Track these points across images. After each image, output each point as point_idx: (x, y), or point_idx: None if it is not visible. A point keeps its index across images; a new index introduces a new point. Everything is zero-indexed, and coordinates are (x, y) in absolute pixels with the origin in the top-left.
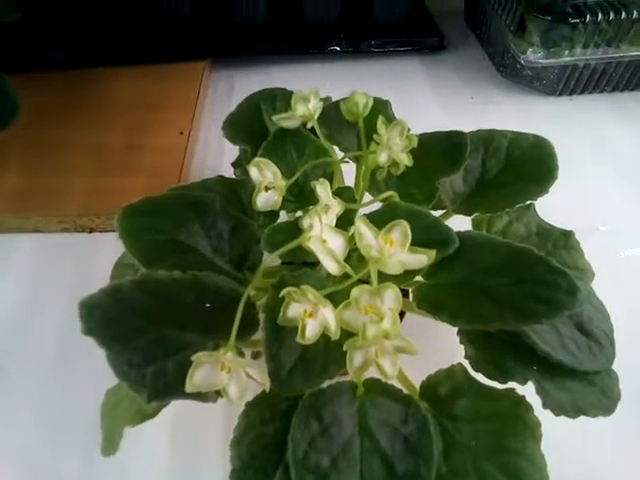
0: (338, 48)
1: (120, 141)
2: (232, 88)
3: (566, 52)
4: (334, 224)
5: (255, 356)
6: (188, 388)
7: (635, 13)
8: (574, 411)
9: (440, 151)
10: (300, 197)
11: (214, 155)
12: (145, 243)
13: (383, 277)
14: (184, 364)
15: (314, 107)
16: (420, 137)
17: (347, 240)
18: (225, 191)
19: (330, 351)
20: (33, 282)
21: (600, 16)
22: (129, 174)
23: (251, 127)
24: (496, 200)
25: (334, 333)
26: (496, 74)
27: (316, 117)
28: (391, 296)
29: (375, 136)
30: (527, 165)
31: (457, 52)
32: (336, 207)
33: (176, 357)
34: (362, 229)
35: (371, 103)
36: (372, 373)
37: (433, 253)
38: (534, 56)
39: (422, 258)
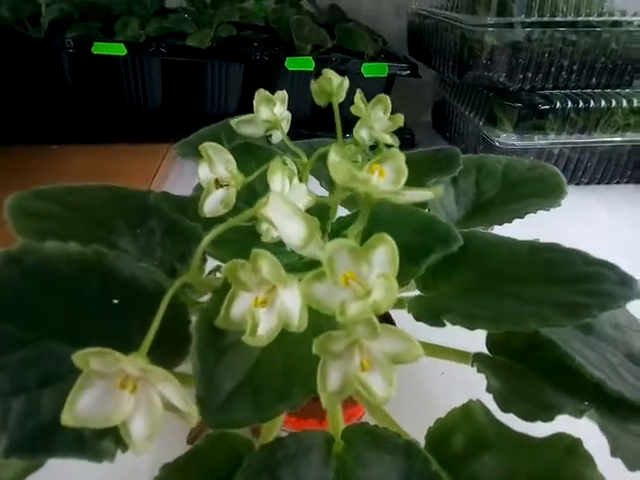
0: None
1: None
2: None
3: (538, 137)
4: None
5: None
6: (66, 419)
7: (603, 102)
8: None
9: (429, 164)
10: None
11: None
12: (43, 226)
13: None
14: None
15: (280, 113)
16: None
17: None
18: (169, 204)
19: (293, 365)
20: None
21: (569, 104)
22: None
23: None
24: (501, 214)
25: (298, 323)
26: None
27: (284, 127)
28: (383, 255)
29: (353, 108)
30: (529, 185)
31: None
32: (304, 195)
33: (59, 384)
34: (333, 158)
35: (347, 84)
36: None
37: (441, 190)
38: (509, 139)
39: (426, 193)
